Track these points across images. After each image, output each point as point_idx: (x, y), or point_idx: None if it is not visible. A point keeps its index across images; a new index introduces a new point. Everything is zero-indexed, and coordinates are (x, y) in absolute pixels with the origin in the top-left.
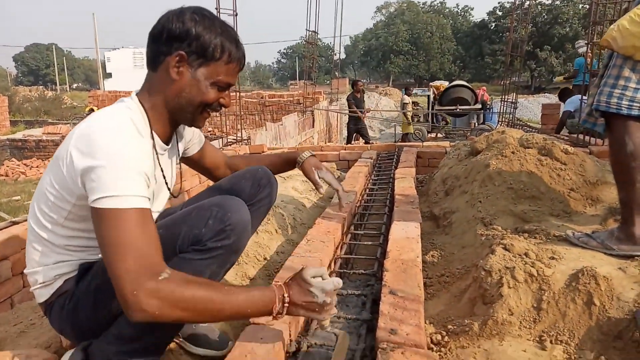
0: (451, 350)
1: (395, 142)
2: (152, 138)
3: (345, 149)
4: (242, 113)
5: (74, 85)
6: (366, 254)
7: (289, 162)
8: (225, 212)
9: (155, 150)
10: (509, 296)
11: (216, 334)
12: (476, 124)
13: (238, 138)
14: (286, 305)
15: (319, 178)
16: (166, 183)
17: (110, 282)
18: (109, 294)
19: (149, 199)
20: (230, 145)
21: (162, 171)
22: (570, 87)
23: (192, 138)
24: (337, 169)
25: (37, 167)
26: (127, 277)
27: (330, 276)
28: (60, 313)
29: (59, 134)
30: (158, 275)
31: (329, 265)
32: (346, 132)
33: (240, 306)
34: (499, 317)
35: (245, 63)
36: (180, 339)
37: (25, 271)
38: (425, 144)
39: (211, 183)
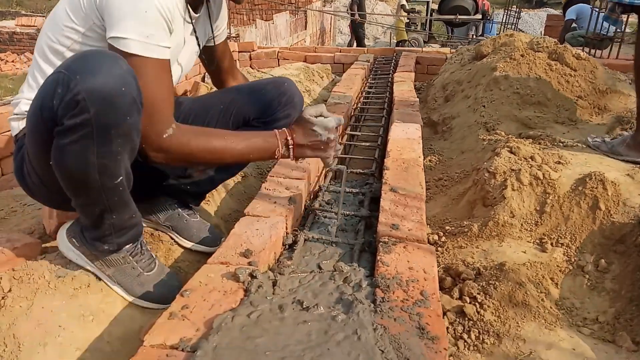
0: (448, 250)
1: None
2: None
3: (340, 51)
4: (229, 10)
5: None
6: (364, 155)
7: None
8: (73, 75)
9: (181, 12)
10: (512, 198)
11: (207, 228)
12: (474, 35)
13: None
14: (291, 147)
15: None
16: (198, 44)
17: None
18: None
19: (169, 48)
20: None
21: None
22: None
23: (219, 24)
24: (332, 72)
25: (12, 61)
26: (144, 128)
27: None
28: (16, 154)
29: (33, 26)
30: (163, 132)
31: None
32: (348, 36)
33: (242, 153)
34: (500, 219)
35: None
36: (172, 232)
37: (11, 101)
38: (425, 49)
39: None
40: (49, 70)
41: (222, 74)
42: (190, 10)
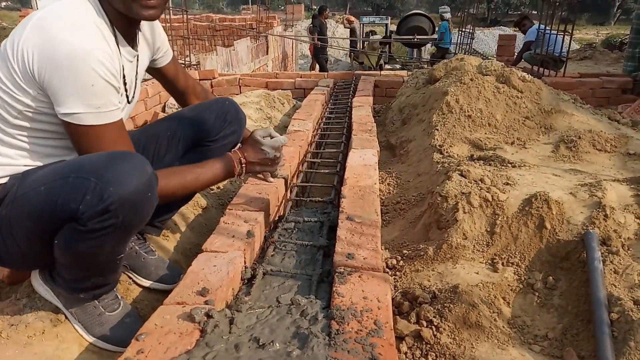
0: (406, 274)
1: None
2: (115, 36)
3: (301, 77)
4: (190, 37)
5: (2, 4)
6: (323, 182)
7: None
8: (106, 186)
9: (120, 54)
10: (463, 221)
11: (166, 265)
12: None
13: (187, 63)
14: (244, 165)
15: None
16: (126, 90)
17: (31, 214)
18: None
19: (119, 106)
20: None
21: (124, 78)
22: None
23: (161, 46)
24: (293, 98)
25: None
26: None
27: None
28: None
29: None
30: None
31: (285, 194)
32: (309, 58)
33: (210, 180)
34: (454, 242)
35: None
36: (129, 271)
37: None
38: (382, 72)
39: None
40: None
41: (182, 93)
42: (130, 48)
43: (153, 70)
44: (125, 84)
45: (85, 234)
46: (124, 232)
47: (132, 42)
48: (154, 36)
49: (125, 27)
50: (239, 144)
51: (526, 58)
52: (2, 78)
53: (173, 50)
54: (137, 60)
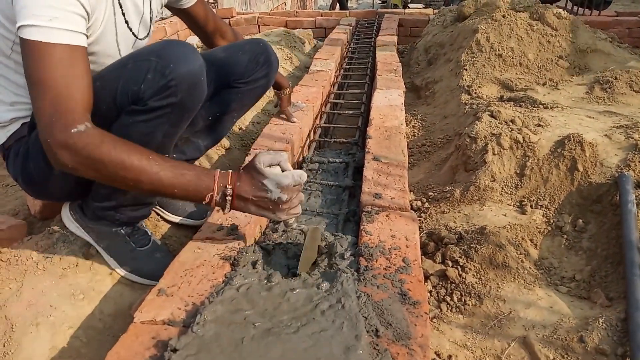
0: (431, 215)
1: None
2: None
3: (322, 15)
4: None
5: None
6: (347, 124)
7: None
8: (167, 63)
9: None
10: (492, 162)
11: (193, 204)
12: None
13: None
14: (229, 198)
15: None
16: (126, 22)
17: None
18: None
19: (85, 36)
20: None
21: (121, 7)
22: None
23: None
24: (314, 37)
25: None
26: (42, 121)
27: (302, 157)
28: (14, 160)
29: None
30: (72, 126)
31: (309, 134)
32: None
33: (163, 183)
34: (481, 183)
35: None
36: (158, 207)
37: None
38: (407, 11)
39: None
40: (9, 75)
41: (210, 35)
42: None
43: (179, 11)
44: (123, 11)
45: (143, 114)
46: (178, 115)
47: None
48: None
49: None
50: (241, 168)
51: None
52: None
53: None
54: None
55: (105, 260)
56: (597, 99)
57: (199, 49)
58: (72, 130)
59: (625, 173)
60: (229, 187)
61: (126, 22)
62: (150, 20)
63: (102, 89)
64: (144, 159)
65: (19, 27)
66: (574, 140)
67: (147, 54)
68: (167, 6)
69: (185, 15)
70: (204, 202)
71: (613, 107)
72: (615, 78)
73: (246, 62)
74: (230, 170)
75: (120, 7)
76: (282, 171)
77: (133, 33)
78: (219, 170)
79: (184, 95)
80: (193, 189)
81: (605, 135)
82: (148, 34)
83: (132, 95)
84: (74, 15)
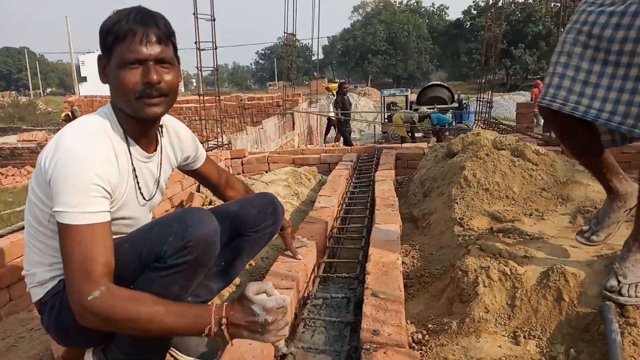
0: (431, 348)
1: (374, 142)
2: (127, 142)
3: (325, 152)
4: (221, 117)
5: (48, 90)
6: (349, 257)
7: None
8: (186, 227)
9: (131, 155)
10: (484, 294)
11: (204, 342)
12: (454, 122)
13: (219, 143)
14: (223, 327)
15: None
16: (139, 188)
17: None
18: None
19: (108, 212)
20: (211, 150)
21: (136, 177)
22: None
23: (190, 154)
24: (319, 172)
25: (12, 175)
26: (68, 288)
27: (311, 283)
28: (50, 313)
29: (34, 140)
30: (88, 294)
31: (313, 270)
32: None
33: (168, 326)
34: (476, 315)
35: (151, 29)
36: (171, 348)
37: (23, 272)
38: (403, 145)
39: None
40: (48, 241)
41: (220, 188)
42: (141, 149)
43: (190, 172)
44: (138, 182)
45: (163, 270)
46: (193, 270)
47: (147, 143)
48: (182, 144)
49: (137, 129)
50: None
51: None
52: (35, 188)
53: (205, 130)
54: (160, 161)
55: None
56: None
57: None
58: (89, 298)
59: (607, 302)
60: (223, 317)
61: (141, 193)
62: (163, 181)
63: (131, 249)
64: (151, 310)
65: (54, 211)
66: (557, 271)
67: (172, 220)
68: (179, 168)
69: (197, 174)
70: (204, 335)
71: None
72: (595, 208)
73: (255, 214)
74: (225, 303)
75: (137, 181)
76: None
77: (144, 196)
78: (215, 304)
79: (199, 254)
80: (193, 326)
81: (587, 265)
82: (154, 194)
83: (156, 255)
84: (96, 199)
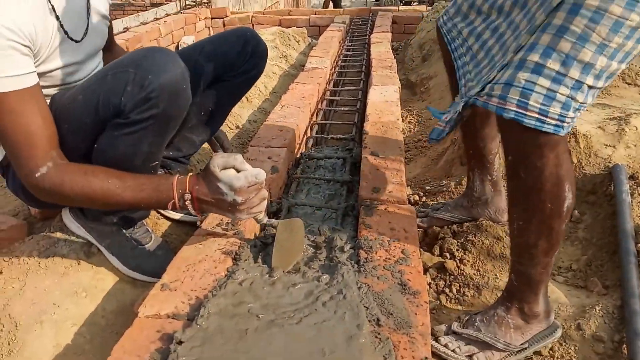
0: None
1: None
2: None
3: (315, 14)
4: None
5: None
6: (343, 120)
7: None
8: (146, 74)
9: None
10: None
11: None
12: None
13: (197, 0)
14: (187, 202)
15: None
16: (66, 33)
17: None
18: None
19: (34, 72)
20: (188, 8)
21: (59, 19)
22: None
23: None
24: (308, 36)
25: None
26: (12, 165)
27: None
28: (14, 177)
29: None
30: (34, 171)
31: (305, 132)
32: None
33: (128, 201)
34: None
35: None
36: None
37: None
38: (401, 8)
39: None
40: None
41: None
42: None
43: None
44: (59, 20)
45: (127, 127)
46: (163, 125)
47: None
48: None
49: None
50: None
51: None
52: None
53: None
54: None
55: (107, 258)
56: None
57: (185, 45)
58: (36, 175)
59: (619, 164)
60: (187, 192)
61: (65, 32)
62: (88, 21)
63: (85, 102)
64: (104, 185)
65: None
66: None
67: (126, 64)
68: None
69: None
70: (169, 209)
71: (606, 100)
72: None
73: (234, 55)
74: (190, 174)
75: (59, 20)
76: (238, 172)
77: (68, 35)
78: (177, 176)
79: (166, 106)
80: (155, 200)
81: (599, 127)
82: (85, 34)
83: (114, 108)
84: (14, 57)
